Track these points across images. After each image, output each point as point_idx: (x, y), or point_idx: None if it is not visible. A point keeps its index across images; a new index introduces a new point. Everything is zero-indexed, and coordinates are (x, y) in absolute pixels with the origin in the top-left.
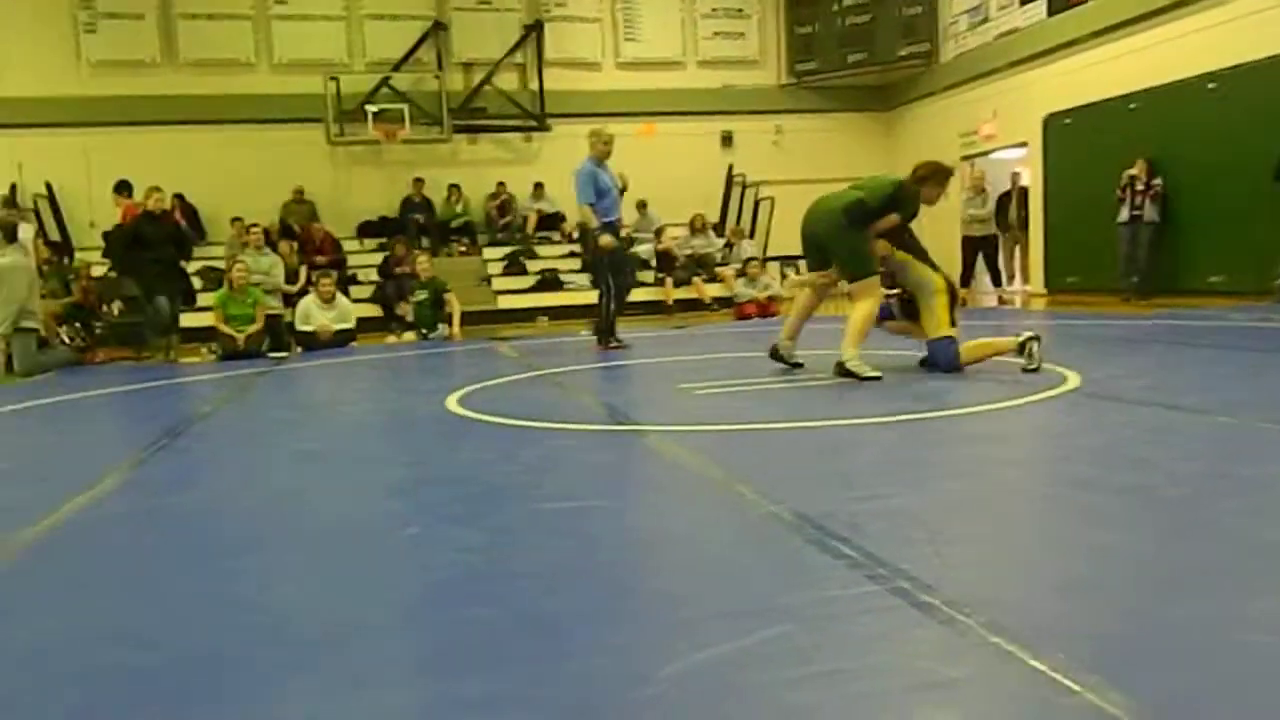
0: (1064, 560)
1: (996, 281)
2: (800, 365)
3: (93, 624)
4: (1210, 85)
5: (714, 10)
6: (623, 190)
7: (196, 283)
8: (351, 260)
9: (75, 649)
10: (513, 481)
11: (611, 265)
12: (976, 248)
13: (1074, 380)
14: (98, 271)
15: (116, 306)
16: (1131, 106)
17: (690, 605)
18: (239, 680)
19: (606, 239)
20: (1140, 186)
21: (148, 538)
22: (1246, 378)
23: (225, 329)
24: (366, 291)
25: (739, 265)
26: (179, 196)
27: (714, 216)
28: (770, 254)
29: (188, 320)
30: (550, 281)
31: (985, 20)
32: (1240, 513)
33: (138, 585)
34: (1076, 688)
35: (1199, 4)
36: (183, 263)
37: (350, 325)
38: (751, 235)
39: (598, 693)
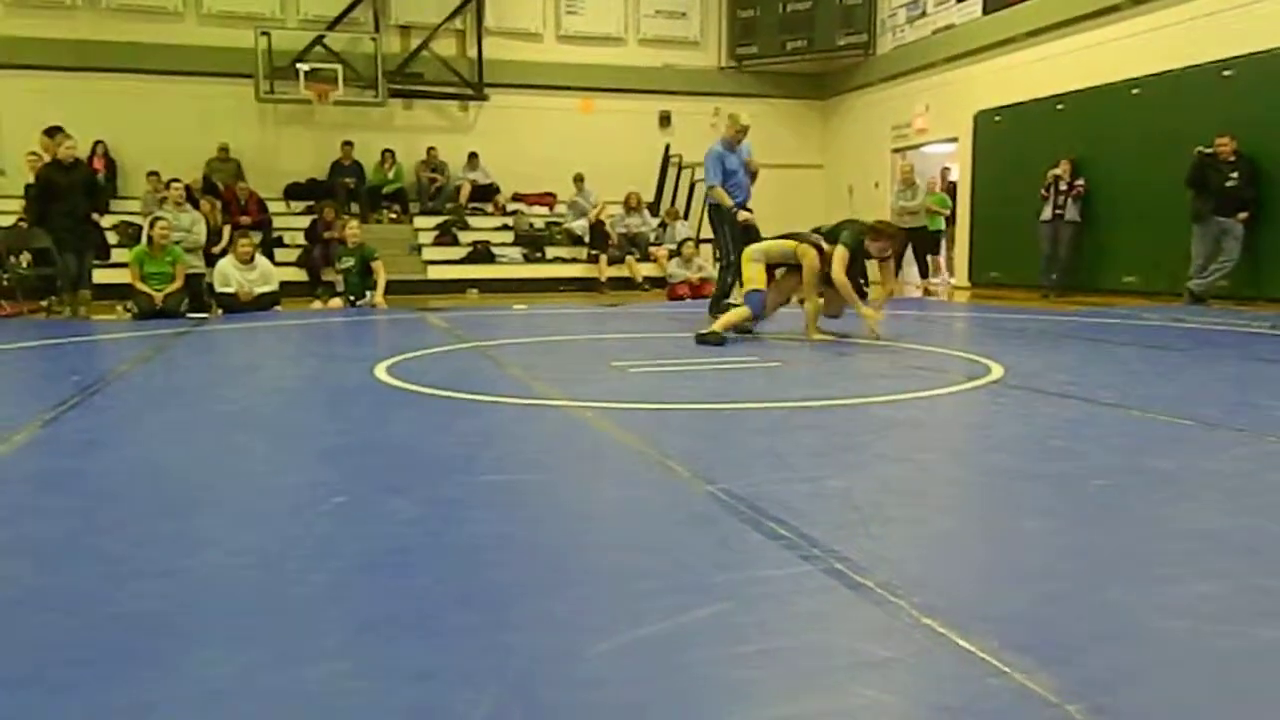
0: (992, 545)
1: (924, 274)
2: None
3: (3, 586)
4: (1134, 90)
5: None
6: (753, 175)
7: (112, 238)
8: (277, 222)
9: None
10: (445, 453)
11: (739, 241)
12: (906, 239)
13: (998, 371)
14: (5, 222)
15: (25, 259)
16: (1059, 107)
17: (627, 582)
18: (166, 647)
19: (744, 214)
20: (1064, 186)
21: (63, 498)
22: (1161, 375)
23: (142, 287)
24: (292, 255)
25: (673, 246)
26: (99, 144)
27: (649, 196)
28: (704, 236)
29: (102, 276)
30: (482, 254)
31: (923, 15)
32: (1157, 502)
33: (54, 548)
34: (1005, 668)
35: (1127, 11)
36: (96, 215)
37: (273, 288)
38: (686, 217)
39: (536, 667)
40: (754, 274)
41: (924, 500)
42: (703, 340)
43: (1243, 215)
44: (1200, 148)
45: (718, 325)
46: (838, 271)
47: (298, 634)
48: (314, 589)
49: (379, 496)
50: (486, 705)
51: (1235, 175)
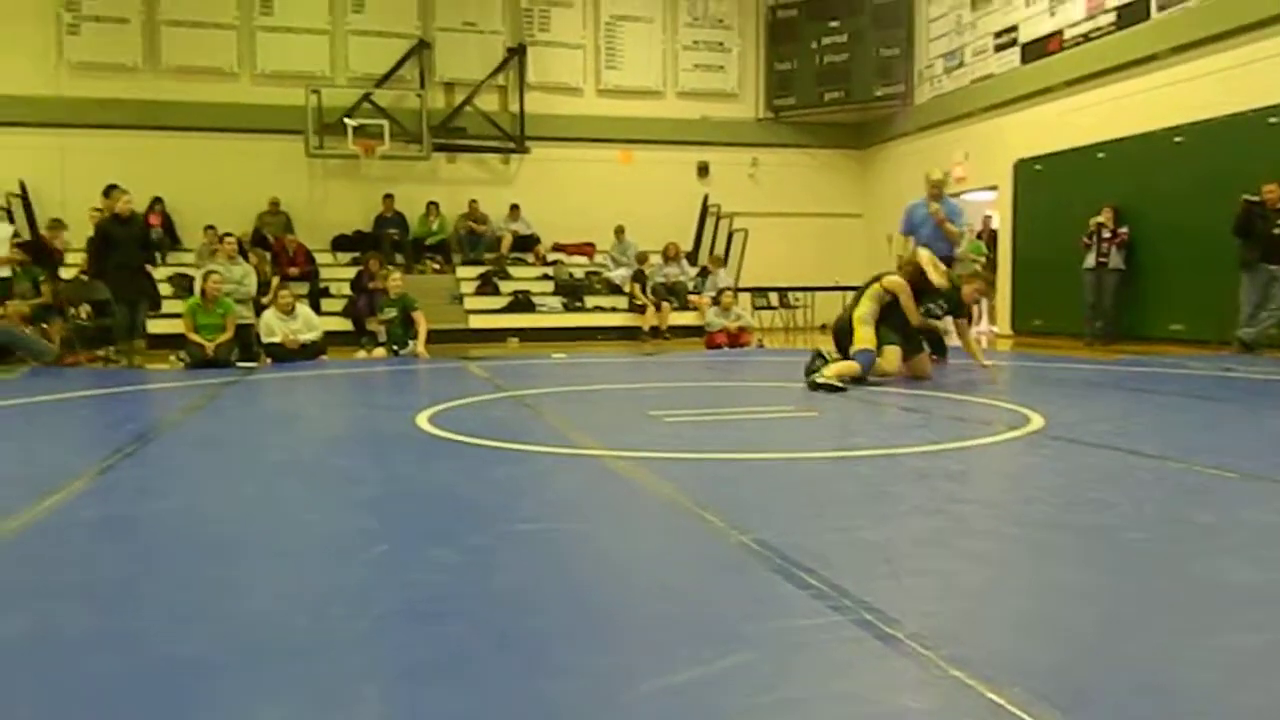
0: (1024, 597)
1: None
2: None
3: (64, 627)
4: (1176, 139)
5: (695, 43)
6: (959, 232)
7: (166, 289)
8: (324, 273)
9: (45, 652)
10: (484, 502)
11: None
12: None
13: (1038, 421)
14: (68, 274)
15: (85, 310)
16: (1100, 155)
17: (659, 630)
18: (212, 690)
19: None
20: (1106, 234)
21: (117, 544)
22: (1205, 426)
23: (195, 337)
24: (338, 305)
25: (713, 294)
26: (157, 200)
27: (687, 245)
28: (742, 285)
29: (155, 326)
30: (522, 303)
31: (960, 65)
32: (1193, 555)
33: (108, 591)
34: (1030, 718)
35: (1166, 60)
36: (149, 268)
37: (316, 336)
38: (725, 263)
39: (568, 713)
40: (865, 335)
41: (957, 552)
42: (818, 387)
43: None
44: (1246, 195)
45: (829, 372)
46: (963, 331)
47: (341, 680)
48: (356, 635)
49: (419, 544)
50: None
51: None
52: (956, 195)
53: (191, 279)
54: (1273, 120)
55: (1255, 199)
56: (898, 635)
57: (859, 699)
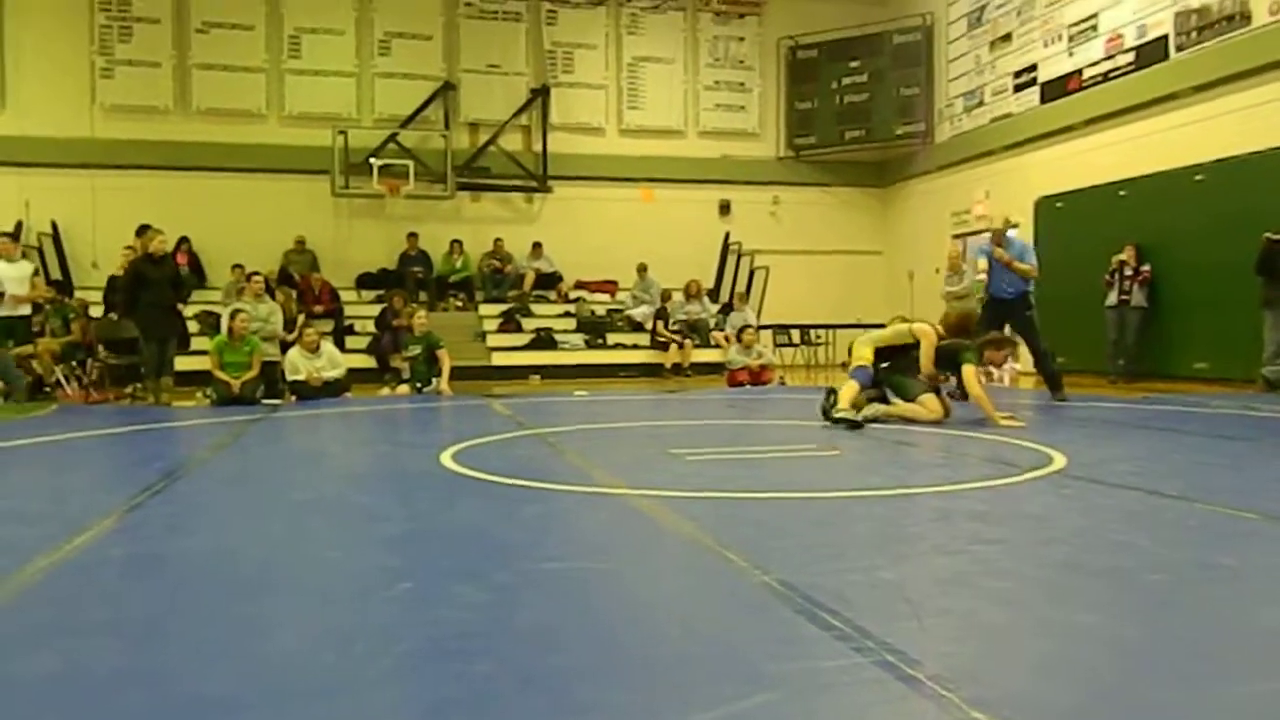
0: (1045, 639)
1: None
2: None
3: (92, 665)
4: (1197, 177)
5: (716, 83)
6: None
7: (193, 326)
8: (349, 311)
9: (73, 691)
10: (508, 540)
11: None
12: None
13: (1060, 461)
14: (96, 311)
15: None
16: (1121, 194)
17: (683, 669)
18: None
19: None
20: (1129, 272)
21: (146, 581)
22: (1229, 466)
23: (221, 375)
24: (362, 342)
25: (735, 331)
26: (184, 240)
27: (709, 283)
28: (764, 322)
29: (183, 364)
30: (545, 340)
31: (980, 104)
32: (1218, 599)
33: (135, 630)
34: None
35: (1187, 98)
36: (179, 306)
37: (340, 374)
38: (747, 301)
39: None
40: (863, 353)
41: (977, 592)
42: (837, 421)
43: None
44: (1269, 233)
45: (843, 404)
46: (975, 388)
47: (364, 716)
48: (381, 673)
49: (444, 582)
50: None
51: None
52: (976, 234)
53: (218, 317)
54: None
55: (1277, 237)
56: (919, 676)
57: None
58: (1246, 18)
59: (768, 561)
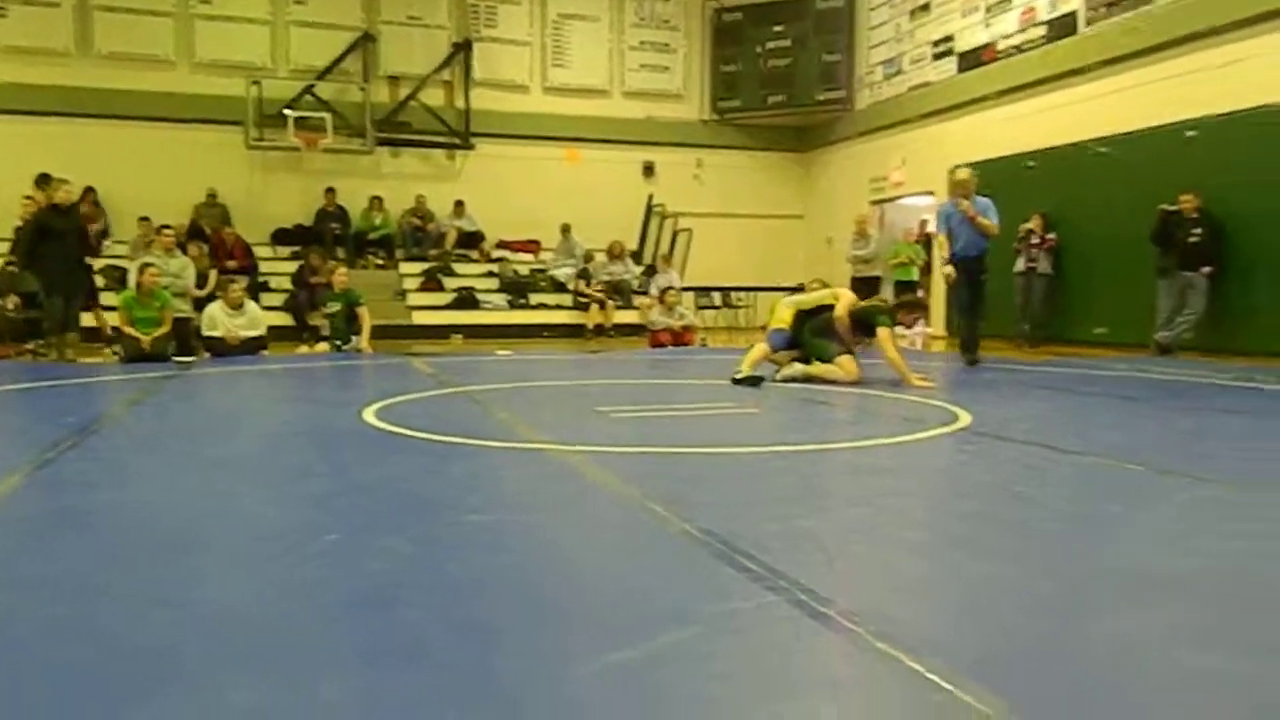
0: (945, 580)
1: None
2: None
3: (22, 619)
4: (1102, 149)
5: (641, 43)
6: (993, 225)
7: (99, 281)
8: (264, 267)
9: (5, 642)
10: (434, 495)
11: (962, 289)
12: (861, 287)
13: (965, 419)
14: None
15: (12, 301)
16: (1030, 164)
17: (606, 611)
18: (178, 676)
19: (946, 268)
20: (1035, 240)
21: (68, 537)
22: (1122, 423)
23: (130, 331)
24: (278, 299)
25: (658, 292)
26: (89, 190)
27: (633, 244)
28: (686, 284)
29: (88, 320)
30: (467, 299)
31: (899, 72)
32: (1100, 542)
33: (64, 583)
34: (949, 686)
35: (1093, 73)
36: (88, 259)
37: (260, 332)
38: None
39: (521, 690)
40: (783, 315)
41: (886, 539)
42: (739, 382)
43: (1206, 270)
44: (1164, 205)
45: (745, 365)
46: (890, 350)
47: (303, 664)
48: (313, 622)
49: (370, 535)
50: None
51: (1198, 231)
52: (894, 200)
53: (125, 271)
54: (1190, 134)
55: (1172, 209)
56: (829, 613)
57: (792, 669)
58: None
59: (689, 512)
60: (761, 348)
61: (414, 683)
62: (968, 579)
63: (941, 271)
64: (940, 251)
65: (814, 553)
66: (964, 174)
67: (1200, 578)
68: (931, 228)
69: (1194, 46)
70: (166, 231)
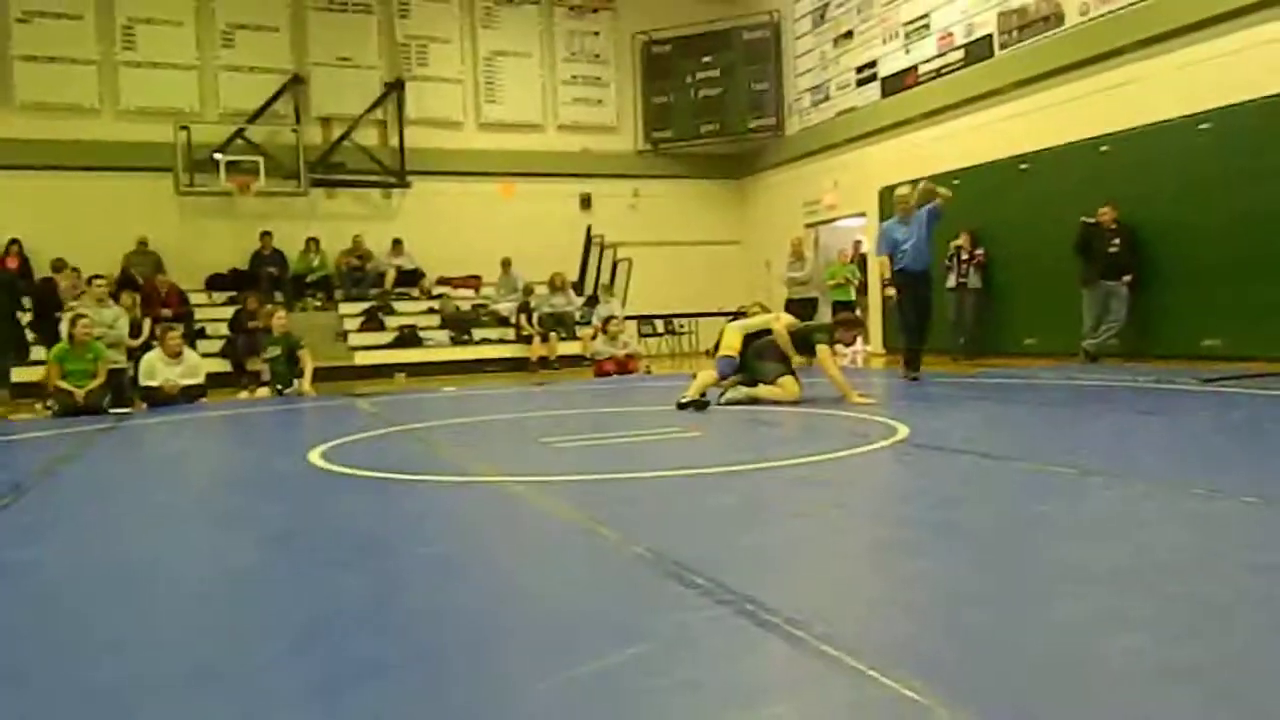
0: (884, 583)
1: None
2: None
3: None
4: (1022, 166)
5: (574, 77)
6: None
7: (28, 335)
8: (199, 314)
9: None
10: (384, 531)
11: (907, 305)
12: (798, 309)
13: (903, 431)
14: None
15: None
16: (955, 182)
17: (562, 631)
18: (131, 713)
19: (889, 289)
20: (965, 256)
21: (4, 588)
22: (1050, 429)
23: (63, 384)
24: (215, 346)
25: (600, 323)
26: (14, 242)
27: (573, 276)
28: (628, 313)
29: (19, 375)
30: (409, 338)
31: (826, 99)
32: (1031, 541)
33: (6, 631)
34: (888, 681)
35: (1010, 93)
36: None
37: (200, 380)
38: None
39: (481, 707)
40: (730, 341)
41: (827, 549)
42: (684, 406)
43: (1126, 278)
44: (1084, 217)
45: (692, 390)
46: (830, 368)
47: (261, 694)
48: (271, 655)
49: (322, 571)
50: None
51: (1117, 242)
52: (828, 222)
53: (55, 323)
54: (1104, 149)
55: (1092, 220)
56: (775, 620)
57: (742, 674)
58: (1060, 19)
59: (637, 534)
60: (709, 374)
61: (370, 706)
62: (905, 580)
63: (884, 292)
64: (882, 272)
65: (759, 565)
66: (904, 190)
67: (1123, 569)
68: (866, 248)
69: (1101, 67)
70: (98, 281)
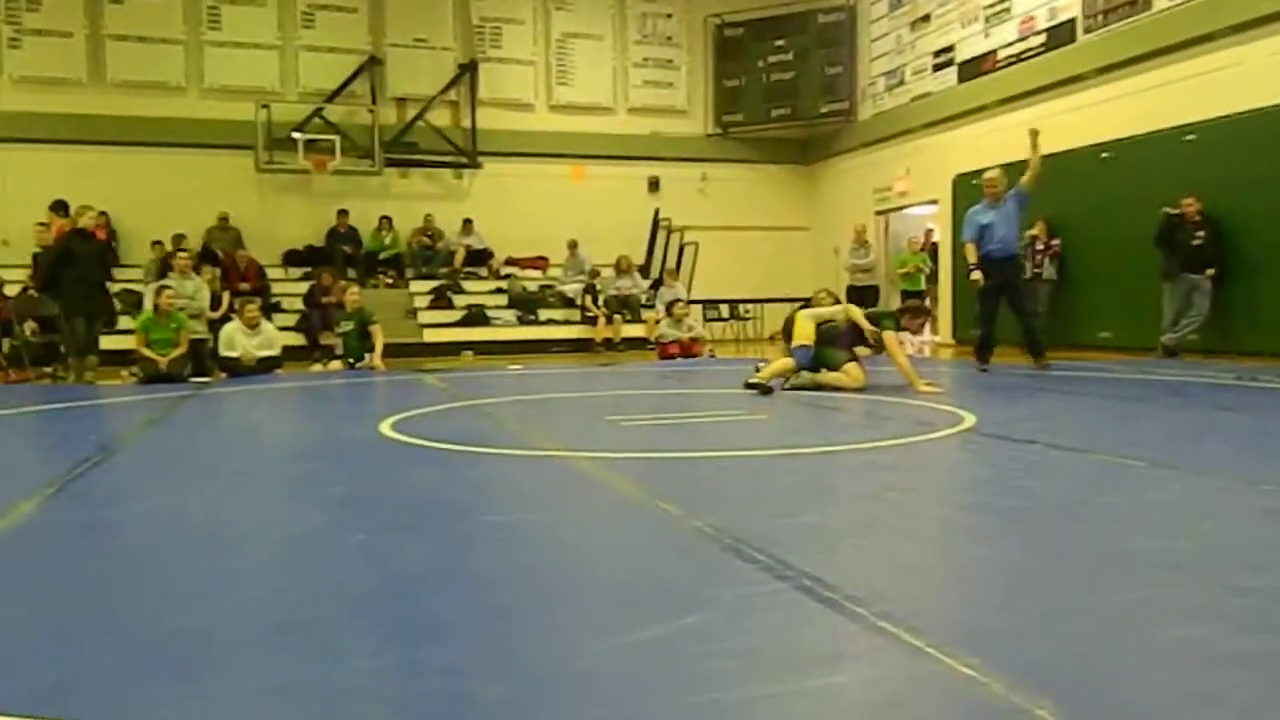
0: (945, 566)
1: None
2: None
3: (63, 612)
4: (1103, 154)
5: (645, 60)
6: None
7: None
8: (275, 288)
9: (54, 634)
10: (452, 499)
11: (989, 293)
12: (860, 296)
13: (970, 421)
14: (12, 290)
15: (29, 327)
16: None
17: (622, 598)
18: (220, 655)
19: (974, 275)
20: (1040, 246)
21: (103, 541)
22: (1121, 422)
23: (147, 352)
24: (290, 320)
25: (665, 306)
26: (103, 214)
27: (640, 259)
28: (693, 297)
29: (107, 342)
30: (476, 316)
31: (901, 83)
32: (1095, 530)
33: (104, 580)
34: (945, 658)
35: (1092, 80)
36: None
37: (276, 352)
38: (678, 277)
39: (546, 663)
40: (806, 330)
41: (889, 531)
42: (751, 387)
43: (1210, 272)
44: (1167, 208)
45: (764, 374)
46: (898, 355)
47: (337, 641)
48: (342, 610)
49: (392, 535)
50: (505, 692)
51: (1201, 234)
52: (899, 209)
53: (139, 295)
54: (1188, 138)
55: (1175, 212)
56: (834, 597)
57: (797, 645)
58: (1148, 3)
59: (699, 510)
60: (787, 363)
61: (441, 658)
62: (964, 562)
63: (969, 279)
64: (968, 259)
65: (819, 543)
66: (993, 173)
67: (1186, 561)
68: (937, 236)
69: (1190, 53)
70: (182, 254)
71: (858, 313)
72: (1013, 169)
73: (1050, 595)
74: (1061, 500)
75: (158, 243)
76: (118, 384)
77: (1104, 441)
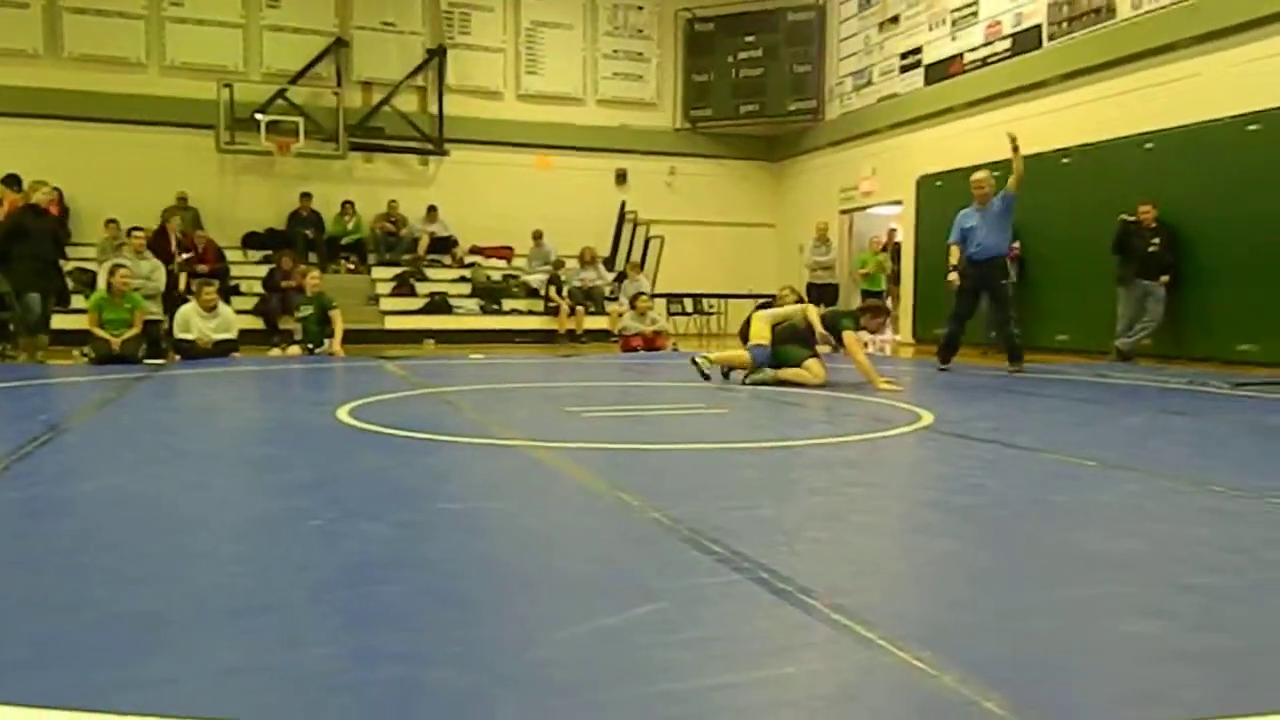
0: (900, 561)
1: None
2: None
3: (12, 592)
4: (1064, 160)
5: (615, 52)
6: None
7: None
8: (235, 271)
9: (0, 615)
10: (409, 485)
11: (964, 295)
12: (819, 294)
13: (928, 419)
14: None
15: None
16: (995, 175)
17: (579, 588)
18: (171, 639)
19: (951, 276)
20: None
21: (51, 521)
22: (1077, 423)
23: (100, 332)
24: (249, 303)
25: (629, 299)
26: (56, 190)
27: (605, 251)
28: (658, 291)
29: (59, 322)
30: (439, 304)
31: (868, 84)
32: (1047, 528)
33: (50, 561)
34: (897, 651)
35: (1057, 85)
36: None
37: (232, 335)
38: (642, 269)
39: (503, 651)
40: (760, 331)
41: (846, 526)
42: (695, 365)
43: (1164, 278)
44: (1123, 215)
45: (715, 358)
46: (857, 354)
47: (292, 626)
48: (300, 595)
49: (349, 520)
50: (461, 680)
51: (1156, 241)
52: (863, 209)
53: (93, 274)
54: (1148, 145)
55: (1131, 218)
56: (788, 589)
57: (752, 636)
58: (1112, 11)
59: (658, 501)
60: (742, 355)
61: (398, 645)
62: (919, 558)
63: (947, 279)
64: (950, 260)
65: (775, 536)
66: (981, 175)
67: (1138, 559)
68: (900, 237)
69: (1151, 62)
70: (137, 233)
71: (814, 314)
72: (974, 170)
73: (1003, 591)
74: (1016, 498)
75: (111, 221)
76: (69, 364)
77: (1059, 442)
